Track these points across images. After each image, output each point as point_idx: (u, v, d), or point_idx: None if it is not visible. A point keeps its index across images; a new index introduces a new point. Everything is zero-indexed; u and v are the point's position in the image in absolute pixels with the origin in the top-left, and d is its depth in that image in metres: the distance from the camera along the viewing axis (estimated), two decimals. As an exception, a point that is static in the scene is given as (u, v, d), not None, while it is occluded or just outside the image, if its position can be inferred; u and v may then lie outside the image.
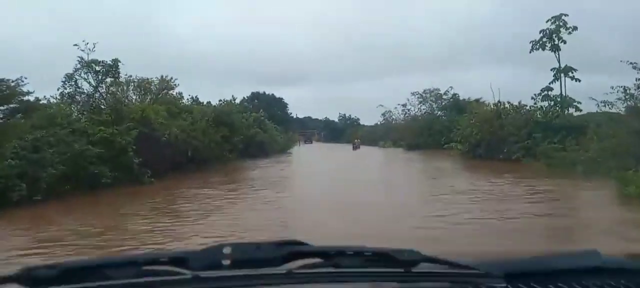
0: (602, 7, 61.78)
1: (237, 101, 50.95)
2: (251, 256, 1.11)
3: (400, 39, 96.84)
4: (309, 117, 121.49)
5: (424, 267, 1.14)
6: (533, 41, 25.18)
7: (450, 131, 42.98)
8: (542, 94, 25.43)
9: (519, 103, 26.13)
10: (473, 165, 22.97)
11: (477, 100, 47.54)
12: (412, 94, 51.04)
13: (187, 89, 45.44)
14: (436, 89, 49.79)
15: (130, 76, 31.84)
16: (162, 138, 21.25)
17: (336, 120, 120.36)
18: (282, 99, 69.60)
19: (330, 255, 1.16)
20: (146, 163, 20.14)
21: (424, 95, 50.58)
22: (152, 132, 21.45)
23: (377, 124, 67.01)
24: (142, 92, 31.78)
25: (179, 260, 1.11)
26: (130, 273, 1.09)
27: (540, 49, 25.47)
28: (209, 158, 28.15)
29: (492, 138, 24.76)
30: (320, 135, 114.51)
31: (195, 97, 32.20)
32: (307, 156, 44.12)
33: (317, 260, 1.17)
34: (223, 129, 30.30)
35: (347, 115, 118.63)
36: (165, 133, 21.28)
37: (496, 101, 30.40)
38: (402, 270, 1.12)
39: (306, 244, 1.18)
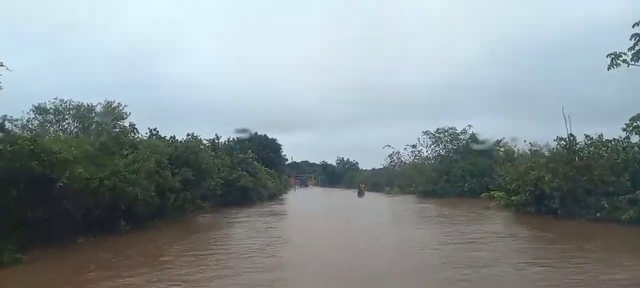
0: None
1: (222, 140, 43.10)
2: None
3: (398, 85, 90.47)
4: (306, 161, 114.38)
5: None
6: (611, 54, 16.74)
7: (475, 176, 34.68)
8: (634, 124, 16.68)
9: (600, 136, 17.60)
10: (562, 232, 14.06)
11: (497, 142, 39.45)
12: (424, 133, 42.88)
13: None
14: (452, 128, 41.62)
15: (62, 101, 23.84)
16: (58, 184, 12.57)
17: (334, 163, 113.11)
18: (275, 139, 61.12)
19: None
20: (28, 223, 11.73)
21: (437, 135, 42.26)
22: (44, 175, 12.84)
23: (382, 166, 58.31)
24: (80, 122, 23.46)
25: None
26: None
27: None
28: (161, 211, 19.43)
29: (570, 187, 16.09)
30: (317, 179, 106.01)
31: (154, 130, 23.74)
32: (303, 206, 35.21)
33: None
34: (186, 171, 21.62)
35: (345, 158, 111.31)
36: (62, 177, 12.60)
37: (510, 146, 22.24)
38: None
39: None
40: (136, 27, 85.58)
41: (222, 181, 33.44)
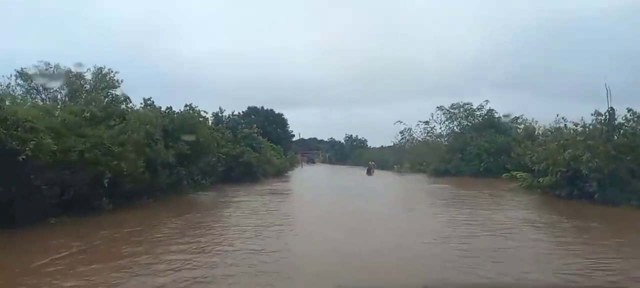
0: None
1: (225, 114, 41.29)
2: None
3: (408, 62, 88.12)
4: (315, 138, 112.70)
5: None
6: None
7: (491, 154, 32.62)
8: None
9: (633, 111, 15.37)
10: (608, 222, 11.99)
11: (515, 119, 37.26)
12: (438, 108, 40.63)
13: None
14: (467, 104, 39.36)
15: (47, 64, 22.02)
16: (21, 156, 10.83)
17: (342, 141, 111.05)
18: (282, 114, 59.33)
19: None
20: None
21: (452, 110, 40.00)
22: (10, 147, 11.10)
23: (392, 144, 56.11)
24: (71, 90, 21.72)
25: None
26: None
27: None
28: (152, 188, 17.77)
29: (612, 168, 14.04)
30: (325, 156, 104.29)
31: (149, 100, 21.87)
32: (309, 184, 33.40)
33: None
34: (182, 145, 19.86)
35: (353, 136, 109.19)
36: (25, 149, 10.85)
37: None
38: None
39: None
40: (144, 3, 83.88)
41: (224, 157, 31.85)
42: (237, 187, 28.39)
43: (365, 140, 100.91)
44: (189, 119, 21.14)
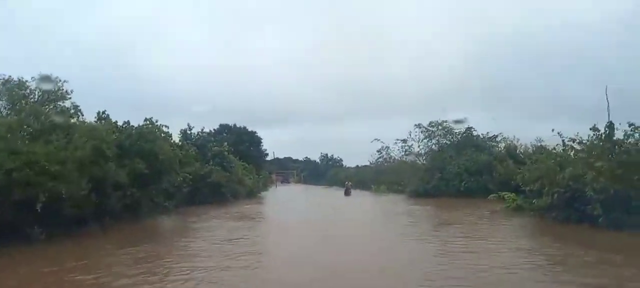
0: None
1: (194, 131, 38.97)
2: None
3: (383, 80, 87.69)
4: (290, 158, 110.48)
5: None
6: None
7: (472, 174, 31.31)
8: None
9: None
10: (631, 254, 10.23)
11: (494, 137, 36.30)
12: (416, 126, 39.30)
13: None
14: (446, 121, 38.14)
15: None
16: None
17: (317, 160, 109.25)
18: (255, 132, 56.96)
19: None
20: None
21: (430, 128, 38.77)
22: None
23: (368, 163, 54.60)
24: (10, 101, 19.26)
25: None
26: None
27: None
28: (101, 213, 15.49)
29: (618, 188, 12.58)
30: (300, 176, 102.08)
31: (104, 113, 19.49)
32: (283, 206, 31.26)
33: None
34: (138, 162, 17.64)
35: (329, 155, 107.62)
36: None
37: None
38: None
39: None
40: (113, 18, 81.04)
41: (190, 176, 29.51)
42: (203, 209, 26.11)
43: (341, 160, 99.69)
44: (148, 134, 18.91)
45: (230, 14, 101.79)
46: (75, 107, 19.39)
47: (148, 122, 19.72)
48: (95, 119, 19.47)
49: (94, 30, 75.29)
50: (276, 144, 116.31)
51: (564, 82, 61.80)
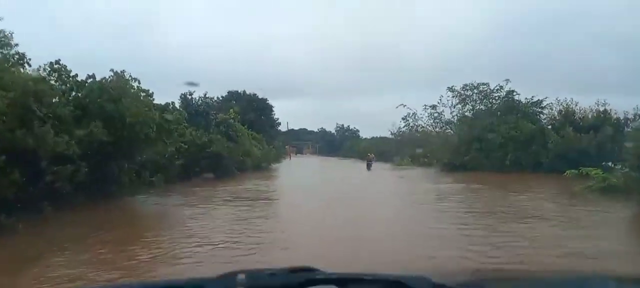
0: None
1: (196, 96, 34.23)
2: (265, 283, 1.10)
3: (399, 53, 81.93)
4: (305, 129, 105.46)
5: None
6: None
7: (519, 145, 25.99)
8: None
9: None
10: None
11: (538, 102, 30.68)
12: (449, 89, 33.64)
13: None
14: (483, 84, 32.55)
15: None
16: None
17: (333, 131, 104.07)
18: (266, 99, 51.98)
19: (345, 282, 1.10)
20: None
21: (464, 92, 33.24)
22: None
23: (391, 133, 49.28)
24: None
25: (195, 286, 1.10)
26: None
27: None
28: (34, 197, 10.89)
29: None
30: (314, 147, 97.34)
31: (57, 62, 14.65)
32: (295, 182, 26.38)
33: (331, 286, 1.08)
34: (95, 126, 12.92)
35: (345, 126, 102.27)
36: None
37: None
38: None
39: (321, 271, 1.15)
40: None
41: (186, 146, 24.83)
42: (200, 185, 21.51)
43: (358, 131, 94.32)
44: (112, 89, 14.06)
45: None
46: (21, 55, 14.55)
47: (114, 74, 14.85)
48: (47, 70, 14.68)
49: (109, 5, 71.76)
50: (291, 115, 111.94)
51: (587, 54, 55.61)
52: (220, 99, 50.36)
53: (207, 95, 34.54)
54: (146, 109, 15.14)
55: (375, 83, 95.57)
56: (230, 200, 16.03)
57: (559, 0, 63.05)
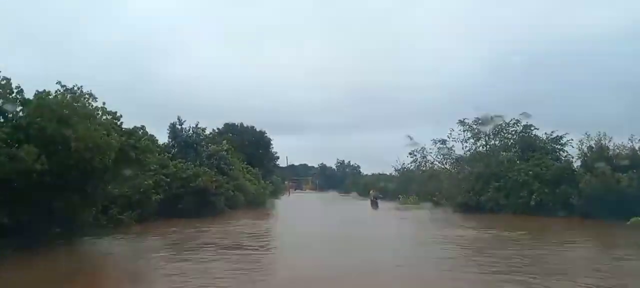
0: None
1: (186, 125, 31.36)
2: None
3: (402, 89, 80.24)
4: (305, 165, 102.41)
5: None
6: None
7: (545, 183, 22.71)
8: None
9: None
10: None
11: (558, 139, 27.60)
12: (459, 122, 30.62)
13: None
14: (498, 116, 29.58)
15: None
16: None
17: (334, 166, 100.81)
18: (264, 132, 48.98)
19: None
20: None
21: (476, 126, 30.23)
22: None
23: (395, 171, 46.23)
24: None
25: None
26: None
27: None
28: None
29: None
30: (314, 183, 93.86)
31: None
32: (292, 226, 22.87)
33: None
34: (28, 152, 9.78)
35: (345, 161, 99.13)
36: None
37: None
38: None
39: None
40: (133, 27, 76.44)
41: (168, 179, 21.72)
42: (179, 225, 18.18)
43: (358, 166, 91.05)
44: (56, 107, 11.02)
45: (246, 24, 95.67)
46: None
47: (64, 90, 11.84)
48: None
49: (112, 39, 70.60)
50: (291, 150, 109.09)
51: (584, 94, 53.32)
52: (216, 130, 47.58)
53: (198, 126, 31.38)
54: (104, 132, 12.04)
55: (377, 119, 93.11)
56: (205, 247, 12.72)
57: (559, 39, 60.95)
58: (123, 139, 13.58)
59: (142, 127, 14.73)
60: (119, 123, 14.31)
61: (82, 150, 10.96)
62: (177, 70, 78.04)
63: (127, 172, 13.71)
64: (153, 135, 15.07)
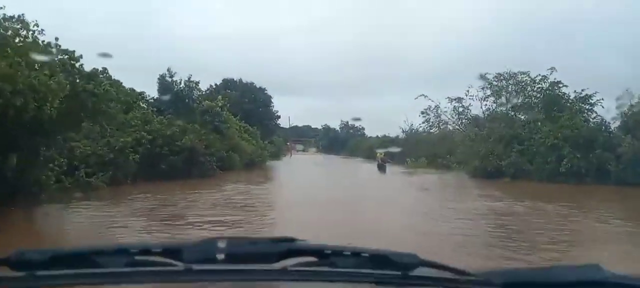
0: None
1: (177, 78, 28.61)
2: (246, 251, 1.05)
3: (404, 52, 75.99)
4: (309, 126, 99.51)
5: (422, 271, 1.04)
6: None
7: (578, 148, 20.00)
8: None
9: None
10: None
11: (587, 98, 24.74)
12: (481, 77, 27.55)
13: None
14: (523, 73, 26.59)
15: None
16: None
17: (338, 128, 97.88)
18: (265, 89, 46.08)
19: (326, 254, 1.06)
20: None
21: (497, 83, 27.26)
22: None
23: (403, 132, 43.55)
24: None
25: (173, 251, 1.03)
26: (122, 262, 0.99)
27: None
28: None
29: None
30: (318, 144, 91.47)
31: None
32: (292, 186, 20.42)
33: (312, 258, 1.07)
34: None
35: (350, 123, 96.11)
36: None
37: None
38: (399, 273, 1.02)
39: (303, 241, 1.10)
40: None
41: (150, 136, 19.20)
42: (158, 190, 15.73)
43: (363, 129, 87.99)
44: None
45: None
46: None
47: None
48: None
49: None
50: (294, 111, 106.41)
51: (591, 55, 49.34)
52: (213, 86, 44.71)
53: (191, 79, 28.54)
54: (45, 73, 9.33)
55: (383, 80, 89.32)
56: (176, 219, 10.25)
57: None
58: (80, 83, 10.91)
59: (105, 70, 11.97)
60: (78, 64, 11.62)
61: (10, 94, 8.30)
62: (176, 29, 74.35)
63: (84, 124, 11.05)
64: (119, 80, 12.46)
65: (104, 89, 10.94)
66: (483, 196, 15.92)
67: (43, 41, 10.47)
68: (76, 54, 11.36)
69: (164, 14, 78.38)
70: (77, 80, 10.76)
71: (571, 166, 19.86)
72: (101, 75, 11.61)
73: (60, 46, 11.00)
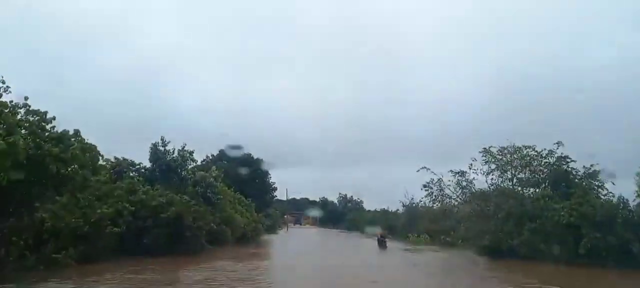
0: None
1: (170, 147, 27.34)
2: None
3: (404, 124, 77.10)
4: (306, 199, 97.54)
5: None
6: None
7: (596, 227, 18.41)
8: None
9: None
10: None
11: (595, 174, 23.47)
12: (483, 151, 26.42)
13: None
14: (528, 147, 25.52)
15: None
16: None
17: (335, 201, 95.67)
18: (261, 160, 44.85)
19: None
20: None
21: (502, 157, 26.09)
22: None
23: (402, 205, 42.00)
24: None
25: None
26: None
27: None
28: None
29: None
30: (315, 218, 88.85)
31: None
32: (284, 269, 18.58)
33: None
34: None
35: (348, 196, 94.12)
36: None
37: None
38: None
39: None
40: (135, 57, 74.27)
41: (132, 208, 17.61)
42: (126, 269, 13.92)
43: (361, 202, 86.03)
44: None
45: (243, 56, 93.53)
46: None
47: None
48: None
49: (113, 65, 68.26)
50: (292, 184, 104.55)
51: (590, 135, 49.19)
52: (211, 157, 43.59)
53: (185, 148, 27.29)
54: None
55: (382, 152, 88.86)
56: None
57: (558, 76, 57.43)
58: (48, 145, 9.61)
59: (76, 132, 10.71)
60: (49, 127, 10.40)
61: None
62: (176, 97, 74.86)
63: (48, 193, 9.60)
64: (92, 144, 11.19)
65: (71, 154, 9.63)
66: (507, 282, 14.07)
67: (10, 101, 9.33)
68: (48, 116, 10.18)
69: (164, 86, 79.46)
70: (45, 143, 9.48)
71: (592, 247, 18.15)
72: (72, 139, 10.35)
73: (30, 106, 9.85)
